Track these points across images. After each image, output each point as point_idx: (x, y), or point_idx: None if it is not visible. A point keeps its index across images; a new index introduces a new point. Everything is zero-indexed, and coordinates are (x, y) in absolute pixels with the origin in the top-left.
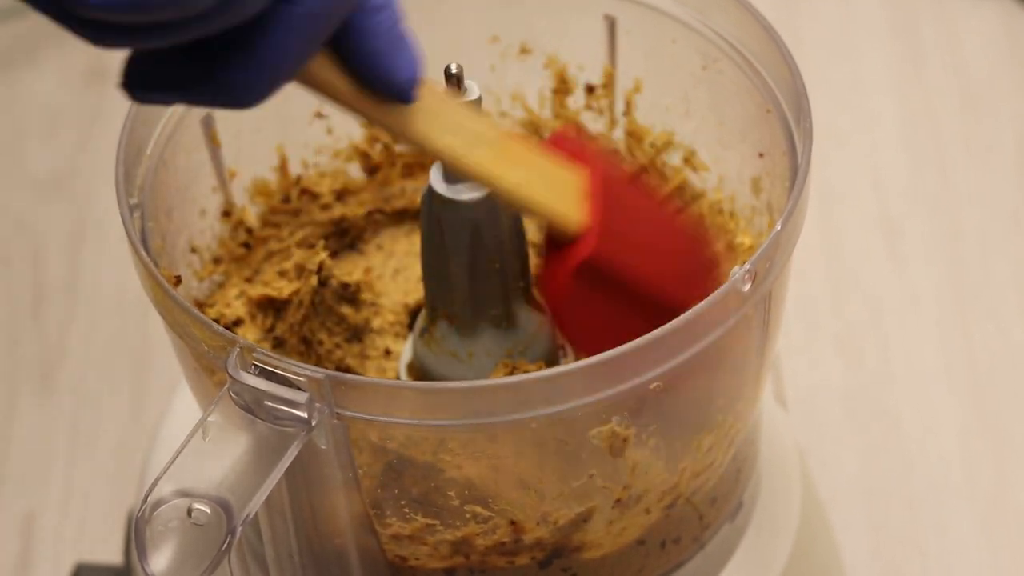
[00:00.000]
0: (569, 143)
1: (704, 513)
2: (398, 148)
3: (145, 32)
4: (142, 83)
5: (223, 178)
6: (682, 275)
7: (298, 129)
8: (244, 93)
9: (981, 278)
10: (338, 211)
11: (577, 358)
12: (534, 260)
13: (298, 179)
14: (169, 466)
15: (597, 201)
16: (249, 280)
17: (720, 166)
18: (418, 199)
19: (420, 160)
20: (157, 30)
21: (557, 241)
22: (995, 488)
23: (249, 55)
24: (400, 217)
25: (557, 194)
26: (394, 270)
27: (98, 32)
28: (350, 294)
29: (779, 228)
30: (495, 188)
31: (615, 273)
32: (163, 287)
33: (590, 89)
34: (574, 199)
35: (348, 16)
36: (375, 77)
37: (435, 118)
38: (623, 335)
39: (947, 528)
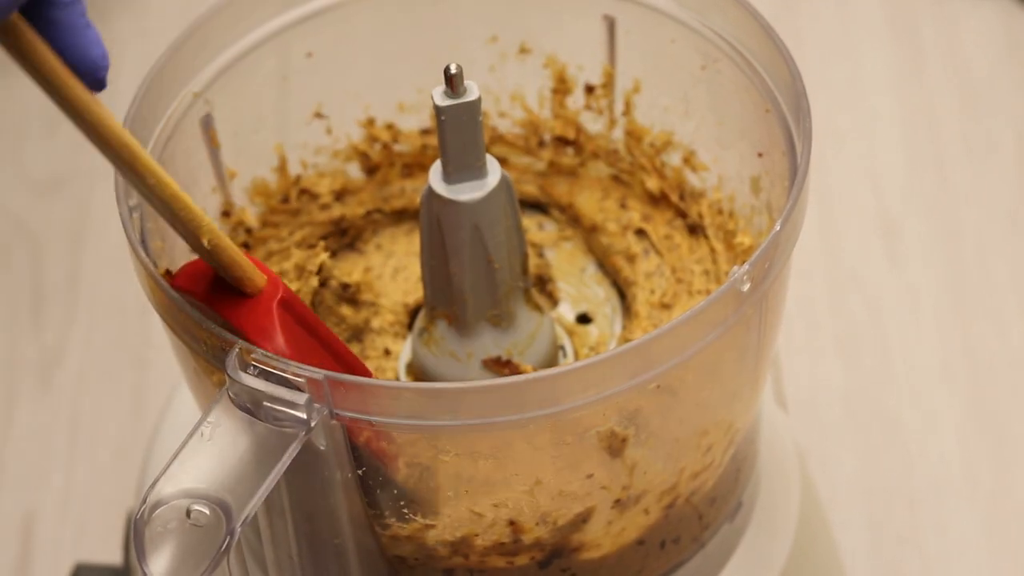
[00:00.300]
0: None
1: (703, 513)
2: (397, 148)
3: None
4: None
5: (222, 178)
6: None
7: (297, 129)
8: None
9: (980, 278)
10: (337, 211)
11: (577, 358)
12: (534, 260)
13: (297, 179)
14: (168, 467)
15: (280, 296)
16: None
17: (719, 166)
18: (417, 199)
19: (420, 160)
20: None
21: (229, 295)
22: (994, 487)
23: None
24: (399, 217)
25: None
26: (393, 270)
27: None
28: (350, 294)
29: (778, 228)
30: (202, 234)
31: (302, 312)
32: (163, 288)
33: (589, 89)
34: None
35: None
36: (69, 44)
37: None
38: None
39: (946, 528)
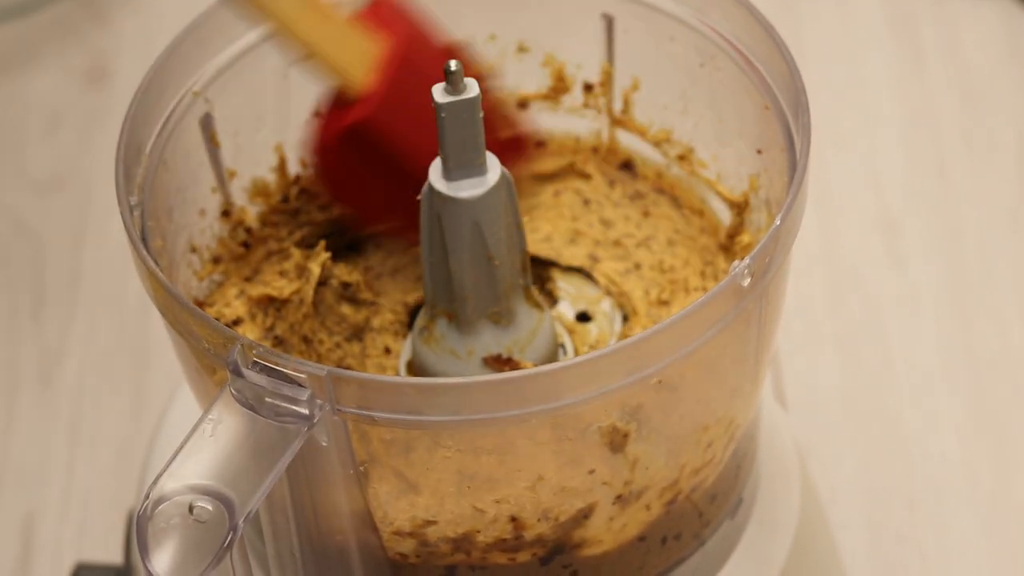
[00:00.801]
0: (387, 11)
1: (704, 510)
2: None
3: None
4: None
5: (222, 178)
6: None
7: (297, 129)
8: None
9: (981, 277)
10: (337, 211)
11: (577, 353)
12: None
13: (297, 179)
14: (170, 463)
15: (390, 72)
16: (248, 280)
17: (718, 163)
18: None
19: None
20: None
21: (340, 102)
22: (995, 487)
23: None
24: None
25: (350, 56)
26: (393, 269)
27: None
28: (350, 293)
29: (778, 223)
30: (293, 37)
31: (383, 143)
32: (164, 286)
33: (588, 87)
34: (365, 65)
35: None
36: None
37: None
38: (382, 199)
39: (947, 527)
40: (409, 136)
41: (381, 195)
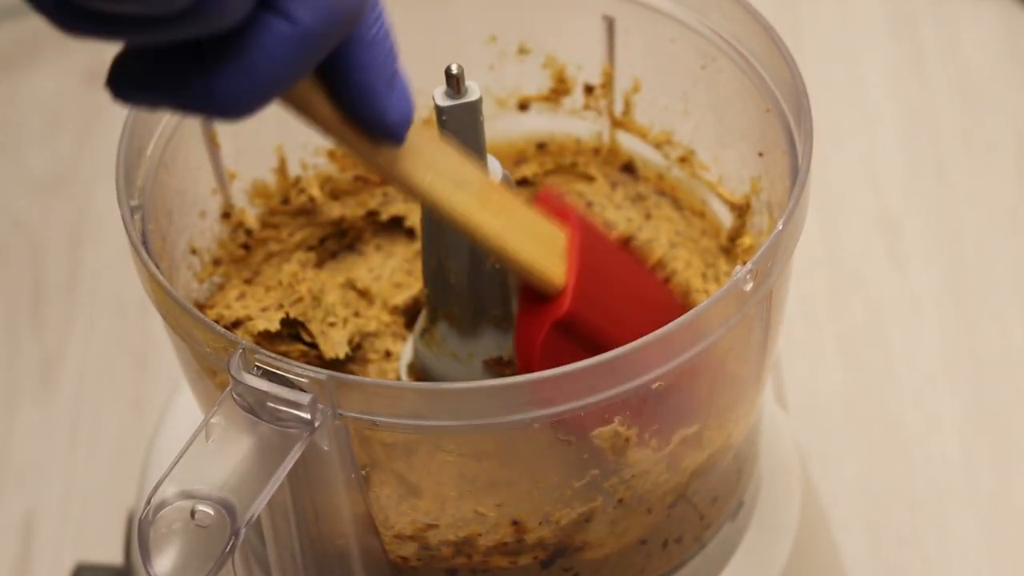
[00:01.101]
0: (552, 201)
1: (705, 513)
2: None
3: (116, 23)
4: (127, 81)
5: (223, 180)
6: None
7: (297, 131)
8: (229, 104)
9: (981, 278)
10: (337, 212)
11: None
12: None
13: (297, 180)
14: (172, 468)
15: (575, 259)
16: (249, 281)
17: (719, 165)
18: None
19: None
20: (128, 23)
21: (532, 294)
22: (996, 488)
23: (237, 66)
24: (399, 218)
25: (538, 247)
26: (393, 270)
27: (67, 15)
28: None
29: (780, 228)
30: (476, 234)
31: (587, 333)
32: (165, 289)
33: (588, 89)
34: (554, 254)
35: (343, 46)
36: (365, 114)
37: (420, 157)
38: None
39: (947, 529)
40: (603, 323)
41: None
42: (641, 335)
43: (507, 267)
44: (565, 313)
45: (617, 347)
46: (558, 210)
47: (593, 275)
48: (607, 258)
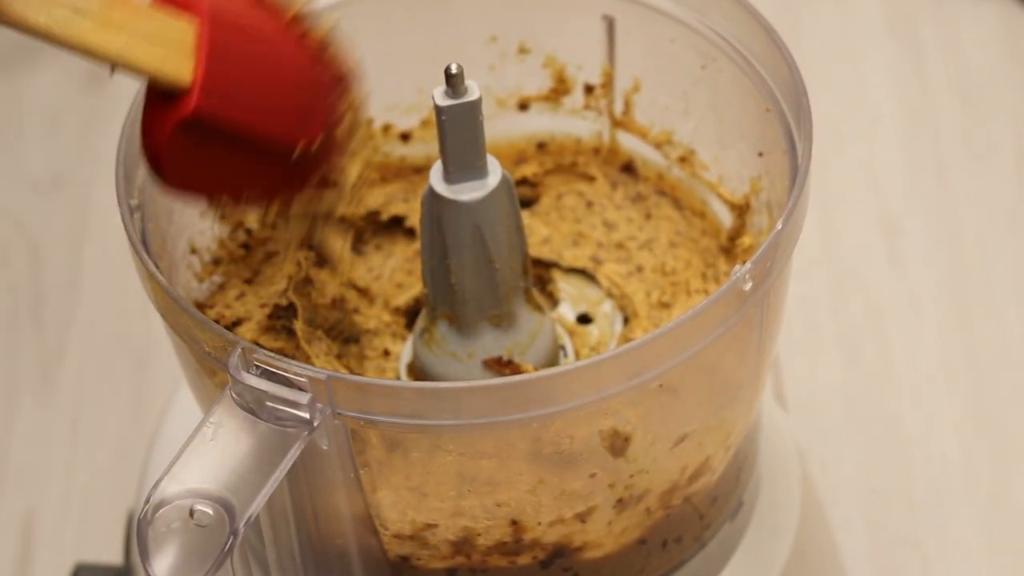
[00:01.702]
0: None
1: (705, 512)
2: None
3: None
4: None
5: None
6: (301, 109)
7: None
8: None
9: (981, 278)
10: (337, 211)
11: (577, 358)
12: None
13: None
14: (171, 467)
15: (204, 52)
16: (249, 281)
17: (719, 165)
18: (416, 201)
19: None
20: None
21: (157, 91)
22: (995, 488)
23: None
24: (400, 218)
25: (162, 50)
26: (393, 270)
27: None
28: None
29: (780, 227)
30: (98, 58)
31: (220, 127)
32: (165, 289)
33: (589, 89)
34: (180, 53)
35: None
36: None
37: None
38: (237, 180)
39: (947, 528)
40: (242, 110)
41: (235, 174)
42: (284, 118)
43: (136, 77)
44: (191, 112)
45: (259, 137)
46: (185, 2)
47: (227, 63)
48: (244, 34)
